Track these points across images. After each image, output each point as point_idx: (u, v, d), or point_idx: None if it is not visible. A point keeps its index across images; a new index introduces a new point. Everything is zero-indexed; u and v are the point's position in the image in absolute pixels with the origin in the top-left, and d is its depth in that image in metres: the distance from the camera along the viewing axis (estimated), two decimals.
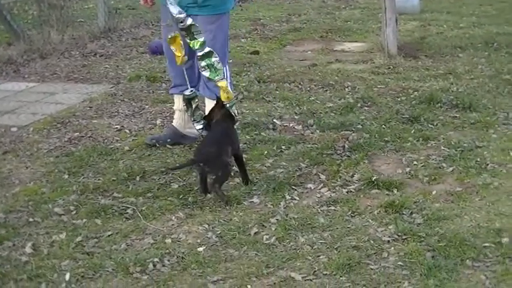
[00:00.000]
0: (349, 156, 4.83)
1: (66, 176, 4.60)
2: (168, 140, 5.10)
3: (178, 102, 5.16)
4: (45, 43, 8.15)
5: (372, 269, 3.41)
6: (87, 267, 3.46)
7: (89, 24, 9.38)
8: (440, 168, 4.61)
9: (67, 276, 3.39)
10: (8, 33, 8.53)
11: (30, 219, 4.01)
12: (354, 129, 5.34)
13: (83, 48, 8.34)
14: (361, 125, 5.42)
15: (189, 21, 4.32)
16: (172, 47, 4.50)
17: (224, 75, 4.46)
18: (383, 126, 5.41)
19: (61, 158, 4.94)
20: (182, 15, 4.32)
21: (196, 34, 4.34)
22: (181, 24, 4.32)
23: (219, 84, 4.39)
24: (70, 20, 9.00)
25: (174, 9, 4.35)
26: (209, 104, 4.87)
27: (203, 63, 4.38)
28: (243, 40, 8.86)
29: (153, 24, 9.71)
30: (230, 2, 4.95)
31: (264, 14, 10.82)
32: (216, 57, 4.38)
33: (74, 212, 4.09)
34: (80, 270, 3.44)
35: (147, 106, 6.09)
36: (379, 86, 6.55)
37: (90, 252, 3.62)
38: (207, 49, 4.36)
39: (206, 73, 4.40)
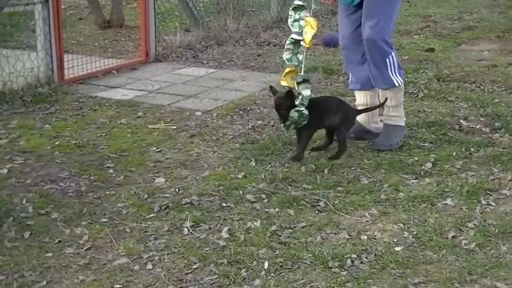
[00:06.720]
0: None
1: (253, 164, 4.64)
2: (352, 135, 5.04)
3: (359, 98, 5.11)
4: (221, 30, 8.32)
5: None
6: (285, 258, 3.44)
7: (262, 13, 9.48)
8: None
9: (266, 265, 3.38)
10: (188, 20, 8.75)
11: (223, 204, 4.06)
12: None
13: (256, 37, 8.45)
14: None
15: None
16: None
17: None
18: None
19: (246, 145, 4.99)
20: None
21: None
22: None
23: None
24: (245, 9, 9.15)
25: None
26: (383, 95, 4.91)
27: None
28: (415, 37, 8.70)
29: (323, 17, 9.69)
30: None
31: (434, 11, 10.60)
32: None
33: (266, 200, 4.11)
34: (278, 260, 3.43)
35: None
36: None
37: (286, 243, 3.60)
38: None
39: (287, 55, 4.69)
